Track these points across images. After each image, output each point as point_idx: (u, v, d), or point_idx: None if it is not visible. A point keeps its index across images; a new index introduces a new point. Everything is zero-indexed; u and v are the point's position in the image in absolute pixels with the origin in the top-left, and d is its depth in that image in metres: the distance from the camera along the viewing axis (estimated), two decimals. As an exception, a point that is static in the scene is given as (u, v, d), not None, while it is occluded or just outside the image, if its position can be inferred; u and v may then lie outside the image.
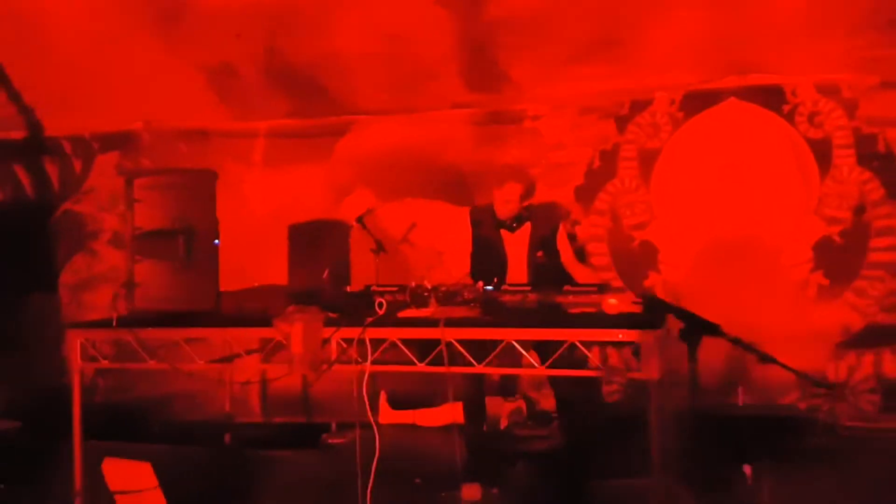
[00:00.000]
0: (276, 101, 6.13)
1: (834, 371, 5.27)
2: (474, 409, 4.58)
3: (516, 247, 4.47)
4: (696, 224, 5.50)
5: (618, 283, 5.65)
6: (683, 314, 2.80)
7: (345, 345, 3.22)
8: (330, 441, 5.23)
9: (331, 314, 3.38)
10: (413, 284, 3.81)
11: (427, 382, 5.19)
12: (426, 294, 3.68)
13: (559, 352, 3.11)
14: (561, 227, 4.61)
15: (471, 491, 4.09)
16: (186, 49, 5.79)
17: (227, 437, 4.97)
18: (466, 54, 5.42)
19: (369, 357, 3.18)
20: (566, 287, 3.57)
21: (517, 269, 4.44)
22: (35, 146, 6.85)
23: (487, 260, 4.45)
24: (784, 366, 2.96)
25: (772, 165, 5.36)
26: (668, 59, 5.38)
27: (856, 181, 5.22)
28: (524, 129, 5.83)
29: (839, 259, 5.24)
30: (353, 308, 3.49)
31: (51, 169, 6.89)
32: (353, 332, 3.26)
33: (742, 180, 5.41)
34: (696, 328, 2.45)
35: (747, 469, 4.50)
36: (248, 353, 3.73)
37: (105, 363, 3.60)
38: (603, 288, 3.56)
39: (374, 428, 3.33)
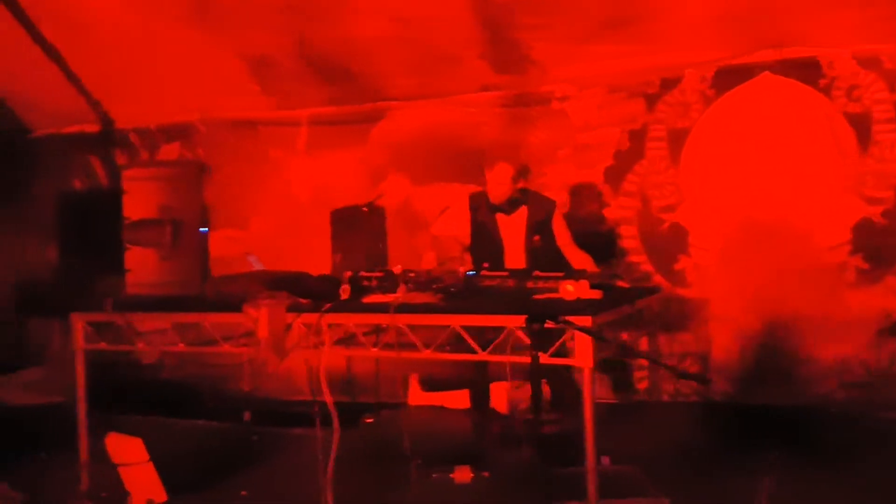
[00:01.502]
0: (314, 89, 6.30)
1: (875, 359, 4.96)
2: (479, 395, 4.61)
3: (513, 231, 4.46)
4: (728, 205, 5.30)
5: (647, 266, 5.53)
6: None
7: (305, 329, 3.32)
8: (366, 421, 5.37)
9: (301, 300, 3.48)
10: (398, 271, 3.90)
11: (460, 367, 5.29)
12: (406, 280, 3.76)
13: (500, 338, 3.10)
14: (556, 210, 4.54)
15: (462, 473, 4.14)
16: (226, 40, 6.01)
17: (246, 415, 5.19)
18: (487, 36, 5.39)
19: (327, 341, 3.27)
20: (535, 273, 3.55)
21: (514, 254, 4.43)
22: (107, 138, 7.30)
23: (484, 245, 4.46)
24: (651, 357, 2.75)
25: (807, 143, 5.09)
26: (698, 34, 5.18)
27: (898, 158, 4.89)
28: (552, 110, 5.76)
29: (880, 241, 4.94)
30: (328, 294, 3.60)
31: (122, 159, 7.33)
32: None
33: (776, 159, 5.17)
34: (541, 315, 2.38)
35: (769, 460, 4.36)
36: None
37: (103, 345, 3.84)
38: (579, 274, 3.51)
39: (335, 416, 3.39)
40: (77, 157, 7.42)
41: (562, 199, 5.60)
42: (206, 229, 3.80)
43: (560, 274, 3.47)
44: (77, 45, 6.45)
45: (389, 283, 3.68)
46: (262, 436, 4.89)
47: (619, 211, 5.60)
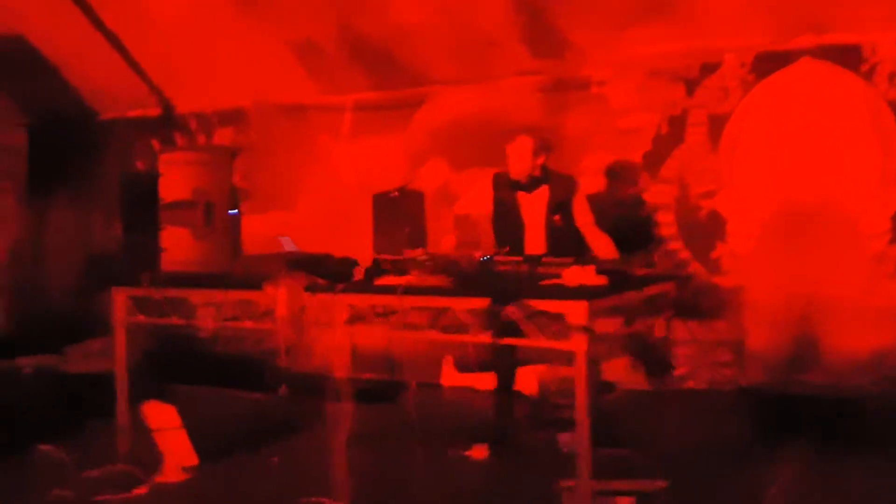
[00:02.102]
0: (357, 75, 6.45)
1: (912, 352, 4.86)
2: (504, 377, 4.67)
3: (533, 209, 4.47)
4: (767, 193, 5.24)
5: (685, 253, 5.51)
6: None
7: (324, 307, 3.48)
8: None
9: (320, 280, 3.64)
10: (421, 254, 4.01)
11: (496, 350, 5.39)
12: (423, 264, 3.88)
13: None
14: (578, 189, 4.51)
15: (479, 450, 4.25)
16: (273, 27, 6.20)
17: (283, 388, 5.41)
18: (524, 20, 5.43)
19: (341, 320, 3.42)
20: (544, 258, 3.62)
21: (535, 233, 4.46)
22: (167, 122, 7.62)
23: (505, 223, 4.50)
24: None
25: (848, 129, 4.99)
26: (738, 19, 5.12)
27: (942, 145, 4.75)
28: (591, 95, 5.77)
29: (921, 231, 4.81)
30: (346, 275, 3.75)
31: (181, 142, 7.64)
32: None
33: (815, 146, 5.08)
34: (504, 299, 2.44)
35: (794, 450, 4.34)
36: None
37: (142, 318, 4.07)
38: (586, 260, 3.56)
39: (346, 392, 3.53)
40: (140, 140, 7.75)
41: (599, 184, 5.62)
42: (236, 211, 3.96)
43: (570, 259, 3.52)
44: (137, 33, 6.75)
45: (409, 266, 3.80)
46: (299, 408, 5.08)
47: (657, 196, 5.58)
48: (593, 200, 4.70)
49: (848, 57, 4.95)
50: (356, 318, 3.44)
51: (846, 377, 5.00)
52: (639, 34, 5.33)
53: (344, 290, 3.43)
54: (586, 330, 2.76)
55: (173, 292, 3.80)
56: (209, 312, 3.89)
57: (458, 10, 5.43)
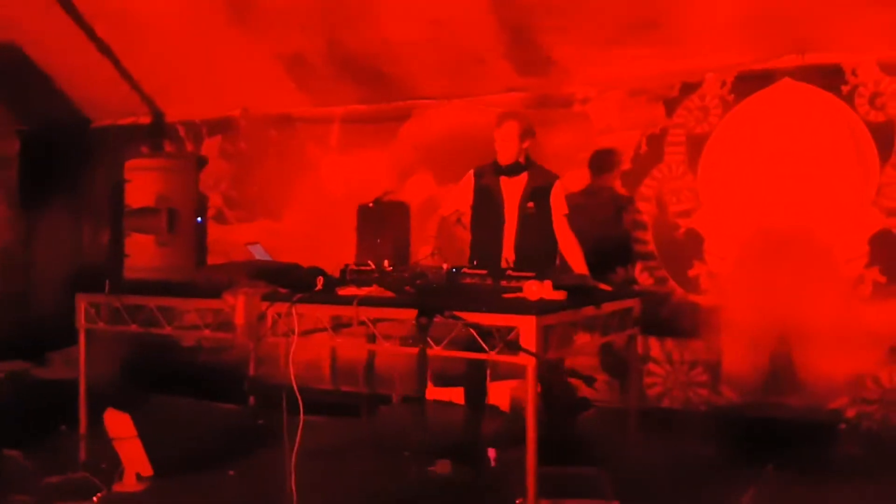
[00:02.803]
0: (346, 88, 6.47)
1: (888, 376, 4.81)
2: (474, 392, 4.65)
3: (513, 195, 4.49)
4: (745, 213, 5.21)
5: (661, 272, 5.48)
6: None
7: (277, 317, 3.46)
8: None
9: (282, 290, 3.63)
10: (385, 266, 4.01)
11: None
12: (390, 274, 3.89)
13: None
14: (557, 183, 4.51)
15: (442, 466, 4.22)
16: (263, 40, 6.23)
17: (251, 399, 5.39)
18: (508, 38, 5.43)
19: (296, 330, 3.40)
20: (508, 272, 3.61)
21: (512, 219, 4.48)
22: (157, 130, 7.66)
23: (485, 210, 4.52)
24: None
25: (827, 151, 4.97)
26: (719, 39, 5.12)
27: (920, 169, 4.73)
28: (574, 112, 5.77)
29: (899, 254, 4.77)
30: (309, 285, 3.74)
31: (170, 150, 7.66)
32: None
33: (795, 167, 5.06)
34: (430, 310, 2.43)
35: (763, 472, 4.31)
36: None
37: (101, 324, 4.07)
38: (545, 275, 3.54)
39: (301, 402, 3.51)
40: (131, 147, 7.77)
41: (578, 200, 5.60)
42: (201, 219, 3.96)
43: (531, 274, 3.51)
44: (128, 43, 6.79)
45: (377, 276, 3.80)
46: (267, 420, 5.05)
47: (635, 215, 5.56)
48: (571, 218, 4.68)
49: (829, 79, 4.94)
50: (336, 327, 3.43)
51: (822, 400, 4.96)
52: (621, 53, 5.34)
53: (300, 301, 3.41)
54: (521, 349, 2.73)
55: (131, 299, 3.80)
56: (191, 320, 3.89)
57: (444, 26, 5.45)
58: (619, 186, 5.61)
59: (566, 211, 4.51)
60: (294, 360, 6.64)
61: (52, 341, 7.19)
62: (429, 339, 3.12)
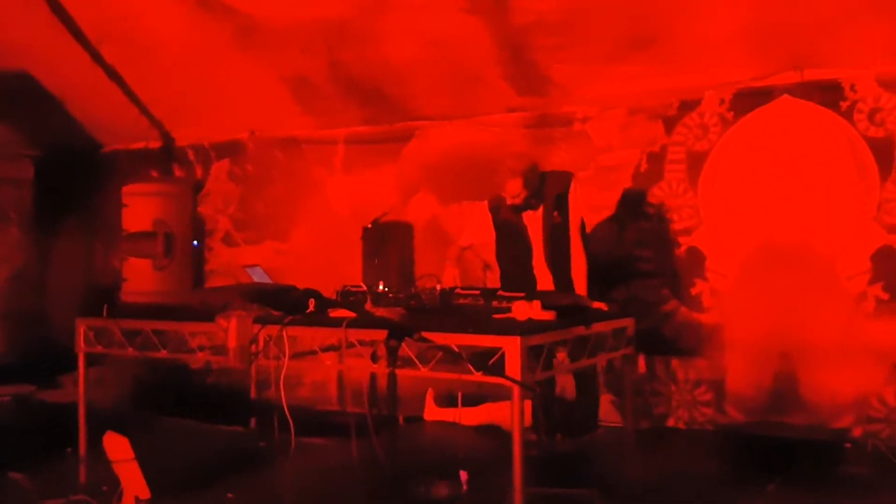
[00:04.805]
0: (350, 109, 6.53)
1: (894, 394, 4.75)
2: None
3: (536, 220, 4.54)
4: (746, 230, 5.20)
5: (664, 290, 5.45)
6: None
7: (268, 340, 3.49)
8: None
9: (274, 312, 3.65)
10: (380, 287, 4.04)
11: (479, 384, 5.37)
12: (384, 296, 3.91)
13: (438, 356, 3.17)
14: (573, 184, 4.53)
15: (441, 488, 4.21)
16: (268, 63, 6.29)
17: (252, 422, 5.40)
18: (507, 58, 5.46)
19: (287, 352, 3.42)
20: (499, 293, 3.61)
21: (539, 244, 4.55)
22: (167, 154, 7.76)
23: (510, 243, 4.58)
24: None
25: (827, 167, 4.95)
26: (717, 56, 5.12)
27: (921, 184, 4.69)
28: (574, 131, 5.79)
29: (901, 271, 4.73)
30: (303, 307, 3.76)
31: (179, 174, 7.75)
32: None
33: (795, 184, 5.04)
34: (400, 332, 2.44)
35: (765, 491, 4.26)
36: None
37: (99, 348, 4.12)
38: (535, 296, 3.55)
39: (291, 424, 3.53)
40: (142, 171, 7.88)
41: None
42: (198, 243, 4.00)
43: (521, 294, 3.51)
44: (137, 68, 6.87)
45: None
46: (271, 442, 5.06)
47: (636, 233, 5.55)
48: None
49: (828, 95, 4.93)
50: (331, 349, 3.45)
51: (827, 419, 4.90)
52: (620, 71, 5.36)
53: (291, 323, 3.43)
54: (497, 372, 2.73)
55: (128, 323, 3.84)
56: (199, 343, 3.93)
57: (445, 47, 5.48)
58: (620, 204, 5.60)
59: (581, 214, 4.56)
60: (301, 382, 6.74)
61: (65, 364, 7.25)
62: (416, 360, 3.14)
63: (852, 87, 4.86)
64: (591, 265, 4.63)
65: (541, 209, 4.57)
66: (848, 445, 4.75)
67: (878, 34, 4.67)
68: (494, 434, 5.13)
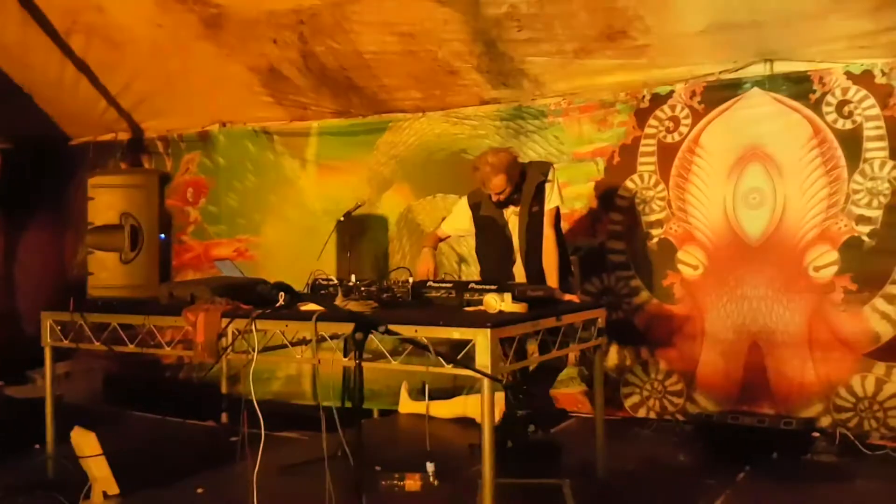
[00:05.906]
0: (322, 101, 6.48)
1: (861, 384, 4.81)
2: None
3: (518, 218, 4.51)
4: (716, 222, 5.22)
5: (636, 282, 5.48)
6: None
7: (238, 334, 3.46)
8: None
9: (243, 306, 3.62)
10: (351, 281, 4.02)
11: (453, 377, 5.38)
12: (356, 289, 3.89)
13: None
14: (550, 172, 4.49)
15: (413, 481, 4.20)
16: (239, 54, 6.20)
17: (223, 416, 5.37)
18: (480, 50, 5.44)
19: (256, 346, 3.40)
20: (471, 285, 3.61)
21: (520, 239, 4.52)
22: (136, 146, 7.67)
23: (491, 239, 4.55)
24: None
25: (797, 160, 4.98)
26: (688, 49, 5.12)
27: (888, 176, 4.74)
28: (547, 124, 5.78)
29: (868, 261, 4.78)
30: (270, 300, 3.74)
31: (148, 167, 7.67)
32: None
33: (764, 176, 5.07)
34: (366, 325, 2.43)
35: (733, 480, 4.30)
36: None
37: (66, 342, 4.07)
38: (505, 288, 3.54)
39: (261, 418, 3.50)
40: (111, 164, 7.79)
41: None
42: (164, 236, 3.95)
43: (493, 287, 3.51)
44: (105, 60, 6.76)
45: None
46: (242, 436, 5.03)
47: (608, 226, 5.57)
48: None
49: (796, 87, 4.96)
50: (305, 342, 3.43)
51: (795, 408, 4.95)
52: (592, 65, 5.35)
53: (260, 317, 3.41)
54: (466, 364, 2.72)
55: (94, 317, 3.79)
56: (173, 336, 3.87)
57: (419, 39, 5.44)
58: (593, 197, 5.62)
59: (557, 203, 4.50)
60: (275, 376, 6.69)
61: (33, 359, 7.16)
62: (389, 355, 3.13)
63: (821, 80, 4.90)
64: (564, 257, 4.62)
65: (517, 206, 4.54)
66: (816, 434, 4.79)
67: (846, 28, 4.69)
68: (466, 426, 5.14)
